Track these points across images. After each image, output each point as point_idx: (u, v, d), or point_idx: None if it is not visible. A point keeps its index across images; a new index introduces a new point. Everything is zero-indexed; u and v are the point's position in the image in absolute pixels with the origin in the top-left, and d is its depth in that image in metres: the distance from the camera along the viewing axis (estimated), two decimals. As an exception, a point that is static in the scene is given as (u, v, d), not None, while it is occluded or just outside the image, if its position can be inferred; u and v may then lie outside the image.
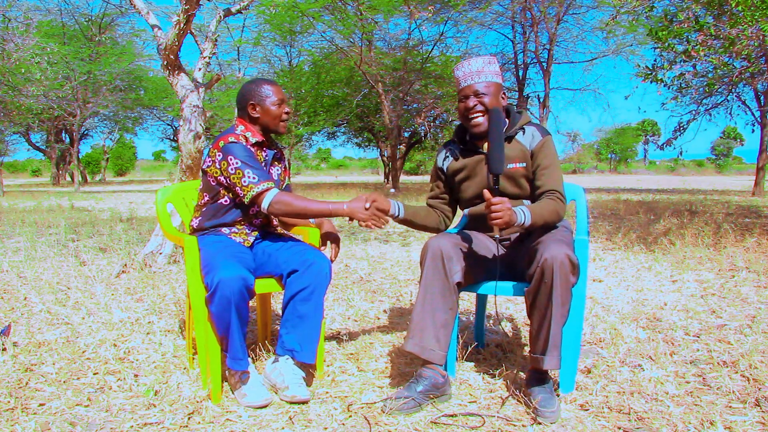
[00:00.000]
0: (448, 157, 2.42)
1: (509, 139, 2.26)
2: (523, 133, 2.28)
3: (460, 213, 2.52)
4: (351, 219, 2.17)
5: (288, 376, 2.08)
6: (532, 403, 1.95)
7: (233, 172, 2.19)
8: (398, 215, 2.28)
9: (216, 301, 1.99)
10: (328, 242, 2.44)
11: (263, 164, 2.34)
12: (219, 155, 2.22)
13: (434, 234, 2.34)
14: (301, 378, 2.12)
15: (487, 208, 1.96)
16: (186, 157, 4.18)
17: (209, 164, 2.28)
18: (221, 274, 1.98)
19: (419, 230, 2.43)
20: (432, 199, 2.48)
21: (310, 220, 2.50)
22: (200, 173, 2.84)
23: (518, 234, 2.31)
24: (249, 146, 2.27)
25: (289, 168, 2.89)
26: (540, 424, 1.88)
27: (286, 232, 2.56)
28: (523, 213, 2.04)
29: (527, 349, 2.67)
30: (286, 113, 2.35)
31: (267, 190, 2.18)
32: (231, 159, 2.19)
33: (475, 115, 2.24)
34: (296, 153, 26.20)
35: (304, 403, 2.04)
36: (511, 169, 2.23)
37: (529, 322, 2.08)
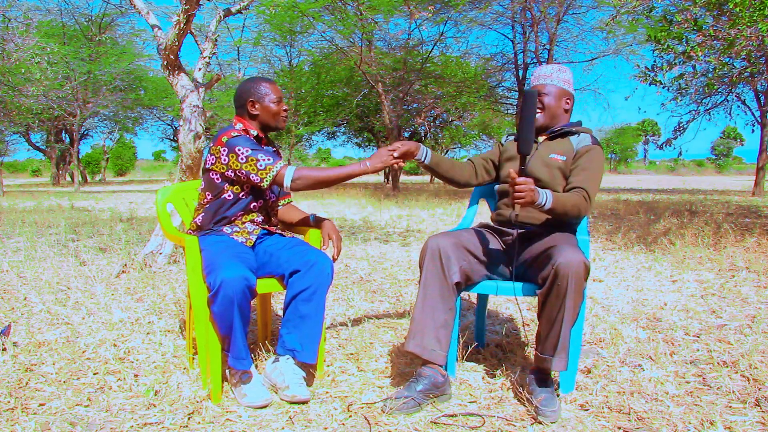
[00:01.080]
0: (511, 136, 2.56)
1: (563, 135, 2.39)
2: (577, 135, 2.39)
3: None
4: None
5: (288, 375, 2.08)
6: (533, 402, 1.95)
7: (245, 161, 2.21)
8: (424, 160, 2.36)
9: (219, 301, 1.99)
10: (330, 241, 2.44)
11: None
12: (224, 150, 2.24)
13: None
14: (302, 378, 2.12)
15: (512, 186, 2.00)
16: (186, 157, 4.18)
17: (213, 162, 2.29)
18: (224, 274, 1.98)
19: (445, 181, 2.50)
20: (476, 158, 2.57)
21: (311, 218, 2.50)
22: (201, 173, 2.85)
23: (526, 230, 2.32)
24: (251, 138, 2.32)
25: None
26: (540, 423, 1.89)
27: (287, 232, 2.56)
28: (546, 195, 2.07)
29: (528, 349, 2.67)
30: (285, 110, 2.39)
31: (285, 166, 2.21)
32: (239, 150, 2.21)
33: None
34: (296, 153, 26.17)
35: (304, 402, 2.05)
36: (552, 159, 2.33)
37: (529, 321, 2.08)
